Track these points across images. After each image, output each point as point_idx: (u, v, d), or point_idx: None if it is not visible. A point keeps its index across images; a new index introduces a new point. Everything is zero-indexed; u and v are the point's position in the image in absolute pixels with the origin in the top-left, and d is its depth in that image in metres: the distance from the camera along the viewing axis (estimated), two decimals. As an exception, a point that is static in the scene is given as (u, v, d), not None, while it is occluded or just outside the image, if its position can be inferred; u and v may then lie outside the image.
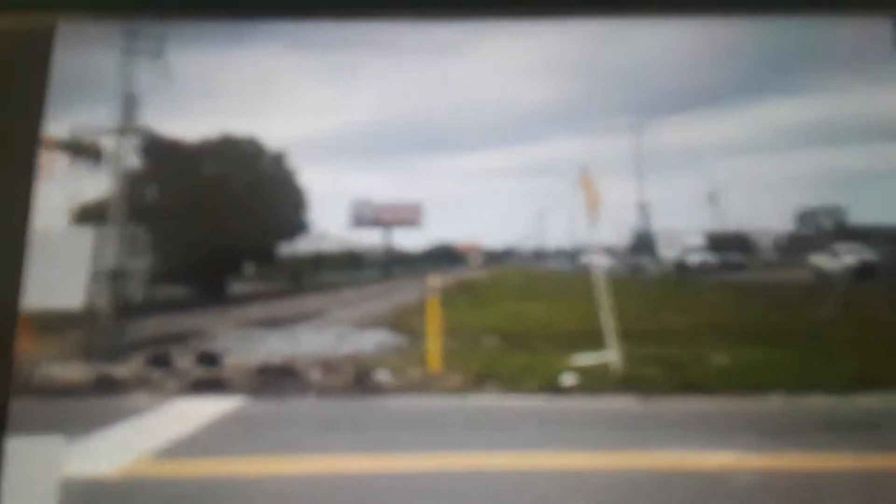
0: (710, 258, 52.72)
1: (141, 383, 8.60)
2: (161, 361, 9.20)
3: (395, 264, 57.63)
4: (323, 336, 16.11)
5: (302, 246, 44.30)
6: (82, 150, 9.30)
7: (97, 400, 8.06)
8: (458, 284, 39.09)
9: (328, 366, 9.55)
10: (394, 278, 48.10)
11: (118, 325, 9.36)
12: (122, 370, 8.85)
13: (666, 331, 14.40)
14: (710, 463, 5.59)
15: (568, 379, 8.88)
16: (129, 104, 9.39)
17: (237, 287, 35.91)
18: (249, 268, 38.74)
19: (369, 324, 18.24)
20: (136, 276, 8.02)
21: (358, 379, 8.98)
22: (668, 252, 58.39)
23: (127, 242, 8.18)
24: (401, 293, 31.15)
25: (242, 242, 30.03)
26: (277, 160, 33.35)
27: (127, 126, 9.35)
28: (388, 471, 5.49)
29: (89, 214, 29.36)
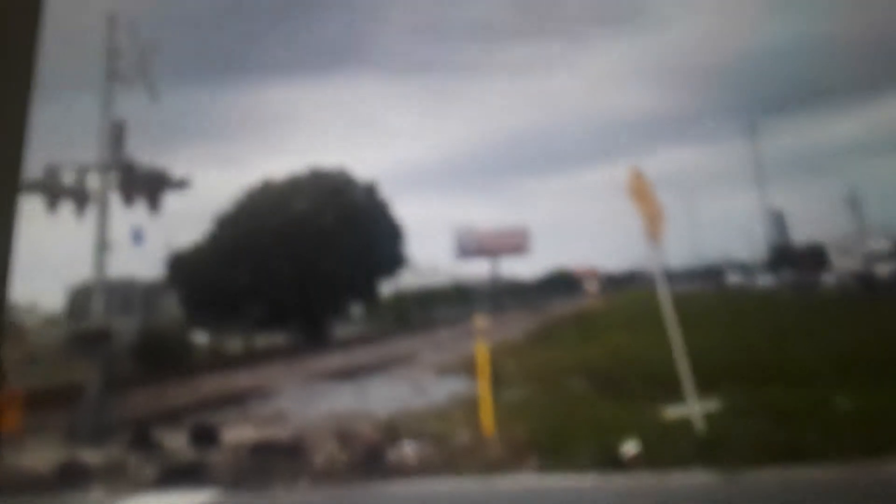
0: (909, 267, 46.01)
1: (113, 472, 7.63)
2: (145, 442, 8.24)
3: (505, 296, 56.06)
4: (396, 387, 15.06)
5: (409, 281, 43.64)
6: (63, 193, 8.55)
7: (50, 497, 7.13)
8: (573, 315, 37.14)
9: (346, 437, 8.30)
10: (504, 311, 46.59)
11: (103, 399, 8.45)
12: (94, 455, 7.91)
13: (790, 366, 12.27)
14: None
15: (629, 449, 7.21)
16: (117, 136, 8.61)
17: (342, 330, 35.55)
18: (355, 308, 38.28)
19: (456, 369, 17.08)
20: (124, 338, 7.13)
21: (371, 456, 7.66)
22: (845, 262, 52.37)
23: (116, 297, 7.33)
24: (505, 329, 29.52)
25: (340, 281, 29.49)
26: (370, 191, 32.92)
27: (115, 161, 8.59)
28: None
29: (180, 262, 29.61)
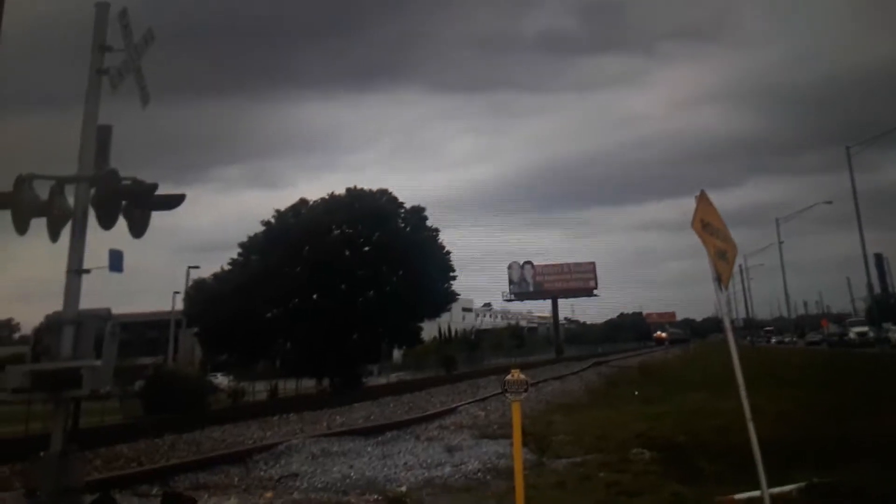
0: None
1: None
2: (103, 513, 7.45)
3: (569, 341, 54.01)
4: (425, 451, 14.06)
5: (457, 320, 42.42)
6: (41, 211, 7.88)
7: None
8: (642, 367, 35.57)
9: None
10: (566, 360, 44.93)
11: (67, 456, 7.71)
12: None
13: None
14: None
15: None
16: (102, 143, 7.95)
17: (379, 377, 34.58)
18: (397, 353, 37.17)
19: (499, 430, 16.08)
20: (96, 378, 6.36)
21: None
22: None
23: (85, 331, 6.58)
24: (563, 382, 28.17)
25: (380, 319, 28.21)
26: (417, 216, 31.14)
27: (100, 172, 7.90)
28: None
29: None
